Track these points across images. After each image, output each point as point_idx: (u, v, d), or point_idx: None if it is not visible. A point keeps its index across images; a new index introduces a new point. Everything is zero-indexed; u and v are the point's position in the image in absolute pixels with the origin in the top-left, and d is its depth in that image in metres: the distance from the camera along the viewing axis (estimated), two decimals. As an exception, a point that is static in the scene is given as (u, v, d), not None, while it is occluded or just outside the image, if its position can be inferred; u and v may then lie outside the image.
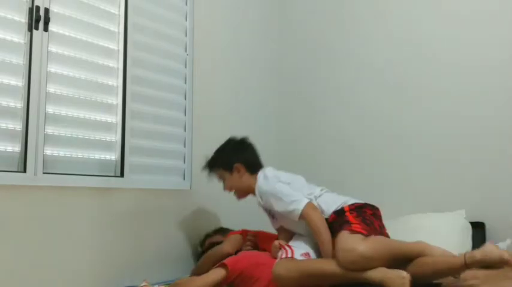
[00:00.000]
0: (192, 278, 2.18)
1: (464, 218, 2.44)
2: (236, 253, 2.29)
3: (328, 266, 1.87)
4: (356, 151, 3.03)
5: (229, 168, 2.33)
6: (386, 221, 2.56)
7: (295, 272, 1.89)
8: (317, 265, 1.94)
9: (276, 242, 2.15)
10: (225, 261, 2.07)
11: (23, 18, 2.10)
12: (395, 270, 1.73)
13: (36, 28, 2.11)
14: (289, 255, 2.01)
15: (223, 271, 2.03)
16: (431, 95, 2.74)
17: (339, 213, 2.08)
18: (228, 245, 2.36)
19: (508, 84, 2.50)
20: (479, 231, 2.40)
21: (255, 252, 2.27)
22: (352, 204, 2.10)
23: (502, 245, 2.21)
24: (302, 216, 2.07)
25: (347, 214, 2.05)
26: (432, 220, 2.46)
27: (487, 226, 2.42)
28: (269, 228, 2.44)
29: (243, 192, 2.37)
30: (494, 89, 2.54)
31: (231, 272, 2.02)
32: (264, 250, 2.29)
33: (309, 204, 2.09)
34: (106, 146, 2.39)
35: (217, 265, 2.10)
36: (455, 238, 2.28)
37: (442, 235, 2.28)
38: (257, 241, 2.42)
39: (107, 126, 2.40)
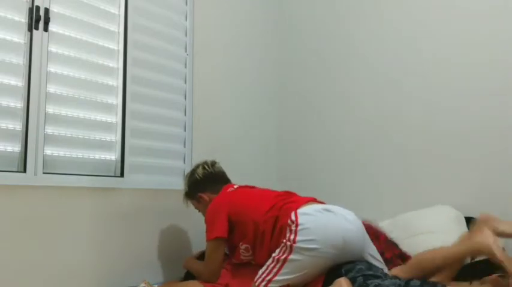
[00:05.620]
0: (177, 284, 2.20)
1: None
2: None
3: None
4: (354, 153, 3.02)
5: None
6: (384, 221, 2.59)
7: None
8: None
9: None
10: None
11: (23, 18, 2.10)
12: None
13: (36, 28, 2.11)
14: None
15: None
16: (428, 94, 2.73)
17: None
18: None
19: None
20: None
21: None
22: None
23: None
24: None
25: None
26: (427, 215, 2.47)
27: None
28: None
29: None
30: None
31: None
32: None
33: None
34: (106, 146, 2.39)
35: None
36: (454, 228, 2.28)
37: (440, 228, 2.30)
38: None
39: (107, 126, 2.40)
